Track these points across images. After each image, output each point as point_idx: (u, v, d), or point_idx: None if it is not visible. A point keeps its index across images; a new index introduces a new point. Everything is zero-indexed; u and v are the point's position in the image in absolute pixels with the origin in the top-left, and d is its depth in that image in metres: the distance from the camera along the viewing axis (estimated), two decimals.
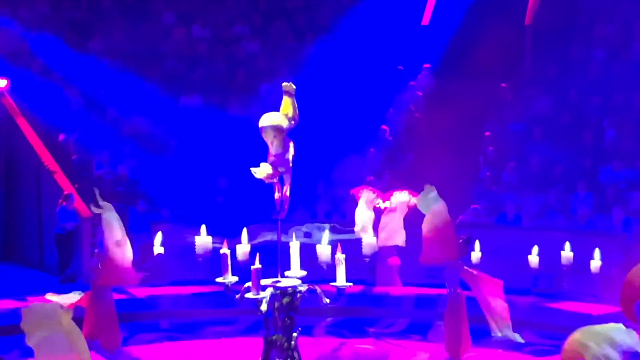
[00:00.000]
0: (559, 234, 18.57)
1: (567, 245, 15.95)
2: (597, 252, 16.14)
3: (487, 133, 23.02)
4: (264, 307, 11.25)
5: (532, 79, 24.70)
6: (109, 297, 15.18)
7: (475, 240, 15.74)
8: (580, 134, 22.13)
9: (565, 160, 21.50)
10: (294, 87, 11.25)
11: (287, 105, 11.26)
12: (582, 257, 16.25)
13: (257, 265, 10.75)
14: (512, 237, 19.47)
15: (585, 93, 23.16)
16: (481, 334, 15.63)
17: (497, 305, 14.40)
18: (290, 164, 11.28)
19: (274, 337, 11.40)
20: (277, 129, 11.07)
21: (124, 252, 14.38)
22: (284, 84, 11.34)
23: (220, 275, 10.96)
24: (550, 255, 16.57)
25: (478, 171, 22.48)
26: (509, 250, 18.55)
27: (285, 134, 11.16)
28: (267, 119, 11.09)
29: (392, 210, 17.60)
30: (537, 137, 22.51)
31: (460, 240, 14.86)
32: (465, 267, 14.61)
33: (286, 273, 11.49)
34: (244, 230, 11.76)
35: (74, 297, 14.06)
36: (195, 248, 11.85)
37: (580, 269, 16.65)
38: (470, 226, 20.02)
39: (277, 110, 11.22)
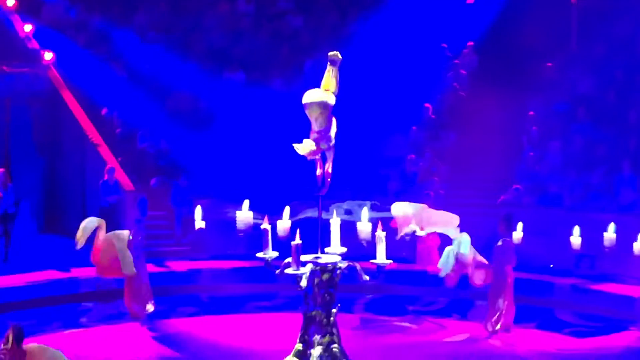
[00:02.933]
0: (602, 215, 18.44)
1: (611, 226, 15.83)
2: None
3: (531, 112, 22.85)
4: (303, 282, 11.27)
5: (578, 58, 24.44)
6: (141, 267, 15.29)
7: (516, 220, 15.65)
8: (626, 114, 21.89)
9: (610, 141, 21.31)
10: (340, 56, 11.18)
11: (329, 77, 11.18)
12: (625, 239, 16.12)
13: (298, 241, 10.78)
14: (554, 217, 19.36)
15: (630, 72, 22.89)
16: (522, 315, 15.61)
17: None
18: (333, 141, 11.26)
19: (313, 313, 11.42)
20: (323, 105, 11.04)
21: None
22: (331, 52, 11.25)
23: (261, 251, 11.00)
24: (592, 236, 16.46)
25: (521, 151, 22.33)
26: (551, 231, 18.46)
27: (330, 111, 11.14)
28: (312, 96, 11.06)
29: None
30: (582, 117, 22.31)
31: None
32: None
33: (326, 249, 11.51)
34: (287, 208, 11.77)
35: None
36: (236, 223, 11.87)
37: (623, 251, 16.52)
38: (512, 206, 19.95)
39: (320, 85, 11.18)
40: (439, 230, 17.22)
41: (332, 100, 11.08)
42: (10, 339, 8.80)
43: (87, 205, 20.85)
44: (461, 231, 15.26)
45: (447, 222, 17.22)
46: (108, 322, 15.41)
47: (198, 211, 15.69)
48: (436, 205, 18.67)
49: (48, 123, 22.05)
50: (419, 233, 17.52)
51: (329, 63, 11.18)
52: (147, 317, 15.30)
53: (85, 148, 21.02)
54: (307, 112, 11.08)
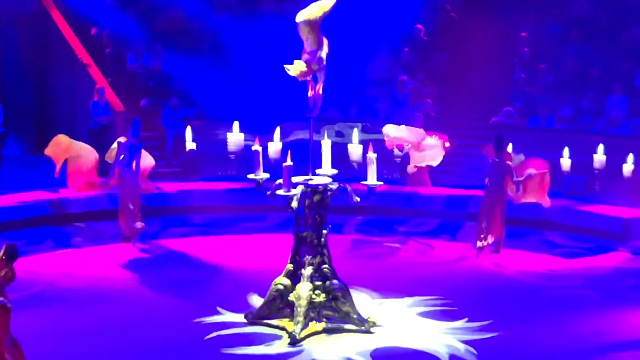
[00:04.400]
0: (593, 137, 18.47)
1: (600, 148, 15.86)
2: (630, 157, 16.04)
3: (523, 34, 22.72)
4: (294, 204, 11.31)
5: None
6: (129, 185, 15.31)
7: (507, 141, 15.67)
8: (618, 36, 21.78)
9: (602, 63, 21.23)
10: None
11: None
12: (615, 160, 16.17)
13: (289, 162, 10.79)
14: (545, 139, 19.37)
15: None
16: (510, 235, 15.71)
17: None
18: (324, 62, 11.21)
19: (304, 234, 11.50)
20: (310, 23, 10.95)
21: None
22: None
23: (252, 172, 11.02)
24: (582, 158, 16.50)
25: (512, 72, 22.25)
26: (541, 153, 18.46)
27: (319, 30, 11.06)
28: (302, 15, 10.98)
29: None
30: (574, 38, 22.19)
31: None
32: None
33: (317, 171, 11.53)
34: (277, 128, 11.76)
35: None
36: (227, 145, 11.87)
37: (613, 173, 16.58)
38: (503, 128, 19.95)
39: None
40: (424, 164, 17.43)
41: (319, 15, 10.95)
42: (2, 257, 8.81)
43: (77, 126, 20.77)
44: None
45: (434, 157, 17.41)
46: (99, 243, 15.48)
47: (189, 132, 15.69)
48: (427, 126, 18.73)
49: (37, 43, 21.86)
50: (409, 170, 17.67)
51: None
52: (138, 236, 15.36)
53: (75, 68, 20.87)
54: (299, 32, 11.02)
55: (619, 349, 11.21)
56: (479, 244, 14.96)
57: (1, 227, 15.60)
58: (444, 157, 17.69)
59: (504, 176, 14.88)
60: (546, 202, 15.48)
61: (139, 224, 15.33)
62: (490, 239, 14.91)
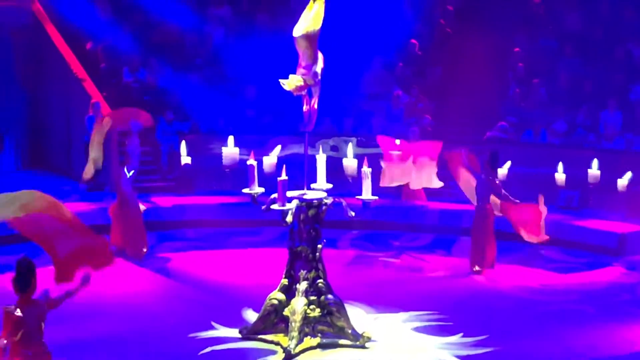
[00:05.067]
0: (587, 152, 18.50)
1: (595, 162, 15.88)
2: (627, 175, 16.07)
3: (517, 49, 22.77)
4: (289, 218, 11.32)
5: None
6: (135, 206, 15.35)
7: (503, 159, 15.68)
8: (612, 50, 21.84)
9: (596, 77, 21.27)
10: None
11: (313, 10, 11.05)
12: (610, 175, 16.19)
13: (284, 177, 10.79)
14: (539, 154, 19.38)
15: (617, 8, 22.77)
16: (506, 250, 15.71)
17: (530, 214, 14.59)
18: (319, 77, 11.22)
19: (299, 249, 11.49)
20: (308, 38, 10.96)
21: None
22: None
23: (247, 186, 11.01)
24: (577, 173, 16.51)
25: (507, 87, 22.29)
26: (536, 168, 18.49)
27: (316, 45, 11.07)
28: (300, 29, 10.99)
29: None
30: (568, 53, 22.25)
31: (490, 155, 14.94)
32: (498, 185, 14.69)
33: (312, 185, 11.53)
34: (278, 147, 11.78)
35: None
36: (222, 159, 11.87)
37: (607, 187, 16.61)
38: (497, 142, 19.96)
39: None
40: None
41: (316, 29, 10.96)
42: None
43: (72, 140, 20.77)
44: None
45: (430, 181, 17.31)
46: None
47: (183, 147, 15.70)
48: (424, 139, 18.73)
49: (31, 57, 21.84)
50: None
51: None
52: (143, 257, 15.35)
53: (70, 83, 20.86)
54: (296, 45, 11.03)
55: None
56: (476, 268, 14.89)
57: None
58: (438, 170, 17.59)
59: (490, 194, 14.81)
60: (540, 238, 15.14)
61: (145, 249, 15.40)
62: (485, 258, 14.86)
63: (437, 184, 17.33)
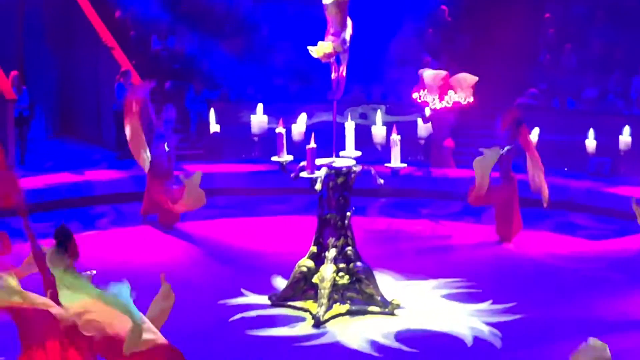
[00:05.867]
0: (618, 119, 18.36)
1: (626, 129, 15.76)
2: None
3: (547, 15, 22.56)
4: (318, 186, 11.34)
5: None
6: (170, 175, 15.31)
7: (532, 123, 15.58)
8: None
9: (627, 43, 21.06)
10: None
11: None
12: None
13: (313, 144, 10.79)
14: (570, 121, 19.27)
15: None
16: (535, 217, 15.66)
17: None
18: (348, 44, 11.19)
19: (328, 216, 11.51)
20: (339, 4, 10.91)
21: None
22: None
23: (276, 154, 11.03)
24: (608, 139, 16.40)
25: (537, 54, 22.12)
26: (566, 135, 18.39)
27: (346, 12, 11.02)
28: None
29: None
30: (599, 19, 22.02)
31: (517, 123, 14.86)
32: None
33: (341, 153, 11.53)
34: (303, 114, 11.76)
35: None
36: (251, 127, 11.89)
37: (638, 154, 16.49)
38: (527, 109, 19.85)
39: None
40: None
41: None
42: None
43: (101, 109, 20.85)
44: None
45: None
46: (124, 225, 15.54)
47: (212, 115, 15.71)
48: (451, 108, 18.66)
49: (62, 26, 21.89)
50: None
51: None
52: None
53: (99, 51, 20.92)
54: (326, 12, 10.99)
55: None
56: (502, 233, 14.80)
57: (28, 210, 15.66)
58: (468, 138, 17.47)
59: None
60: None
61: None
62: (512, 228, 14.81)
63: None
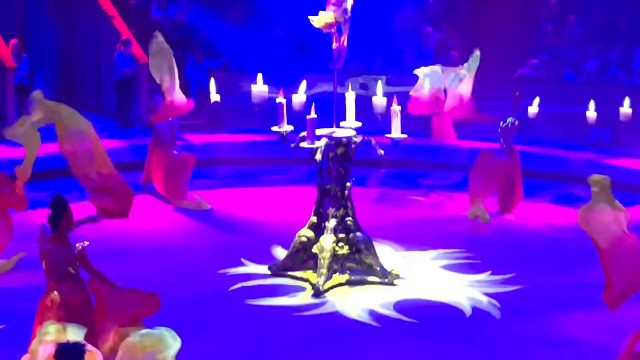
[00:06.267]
0: (619, 90, 18.32)
1: (627, 101, 15.73)
2: None
3: None
4: (318, 156, 11.35)
5: None
6: (171, 146, 15.23)
7: (533, 94, 15.56)
8: None
9: (629, 15, 20.99)
10: None
11: None
12: None
13: (313, 115, 10.78)
14: (571, 92, 19.24)
15: None
16: (533, 189, 15.68)
17: None
18: (349, 14, 11.15)
19: (328, 187, 11.52)
20: None
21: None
22: None
23: (276, 125, 11.01)
24: (609, 111, 16.37)
25: (539, 25, 22.05)
26: (567, 106, 18.37)
27: None
28: None
29: None
30: None
31: (516, 94, 14.86)
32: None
33: (341, 124, 11.52)
34: (303, 82, 11.72)
35: None
36: (251, 97, 11.85)
37: (639, 126, 16.47)
38: (528, 80, 19.82)
39: None
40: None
41: None
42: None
43: (101, 77, 20.81)
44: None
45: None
46: None
47: (213, 84, 15.64)
48: None
49: None
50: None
51: None
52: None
53: (100, 20, 20.84)
54: None
55: None
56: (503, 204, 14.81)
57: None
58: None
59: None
60: None
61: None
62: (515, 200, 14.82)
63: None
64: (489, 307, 10.96)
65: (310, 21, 11.01)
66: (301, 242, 11.63)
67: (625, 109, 15.64)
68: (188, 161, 15.07)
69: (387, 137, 11.05)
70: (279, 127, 11.03)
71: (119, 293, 8.54)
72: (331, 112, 11.39)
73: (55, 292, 8.27)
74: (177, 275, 11.76)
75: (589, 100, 16.11)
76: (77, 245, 8.27)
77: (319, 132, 11.09)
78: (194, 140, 18.09)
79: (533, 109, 15.85)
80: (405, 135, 11.20)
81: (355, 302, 11.00)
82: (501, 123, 14.72)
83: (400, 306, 10.92)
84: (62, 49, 21.94)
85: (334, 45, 11.28)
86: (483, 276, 11.93)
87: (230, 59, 20.95)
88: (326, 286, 11.19)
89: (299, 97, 11.54)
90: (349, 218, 11.59)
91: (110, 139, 18.12)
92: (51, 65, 21.66)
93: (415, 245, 12.99)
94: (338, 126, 11.46)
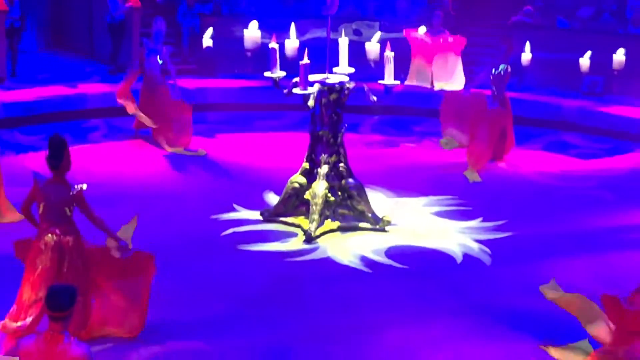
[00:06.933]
0: (612, 37, 18.28)
1: (620, 50, 15.70)
2: None
3: None
4: (311, 102, 11.33)
5: None
6: (164, 89, 15.11)
7: (526, 40, 15.50)
8: None
9: None
10: None
11: None
12: (635, 61, 16.02)
13: (306, 60, 10.74)
14: (564, 39, 19.18)
15: None
16: (525, 136, 15.70)
17: None
18: None
19: (321, 133, 11.51)
20: None
21: None
22: None
23: (269, 70, 10.98)
24: (602, 58, 16.34)
25: None
26: (560, 53, 18.33)
27: None
28: None
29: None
30: None
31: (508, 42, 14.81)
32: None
33: (334, 69, 11.48)
34: (292, 25, 11.66)
35: None
36: (244, 42, 11.79)
37: (632, 74, 16.45)
38: (522, 27, 19.75)
39: None
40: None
41: None
42: None
43: (93, 21, 20.67)
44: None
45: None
46: (116, 139, 15.51)
47: (209, 32, 15.55)
48: (446, 25, 18.49)
49: None
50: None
51: None
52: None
53: None
54: None
55: (635, 246, 11.28)
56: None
57: (19, 122, 15.66)
58: (464, 57, 17.20)
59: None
60: None
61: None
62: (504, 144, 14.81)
63: (459, 82, 16.67)
64: (480, 254, 11.01)
65: None
66: (293, 188, 11.65)
67: (619, 56, 15.60)
68: (183, 111, 14.94)
69: (380, 84, 11.02)
70: (272, 73, 10.98)
71: (115, 261, 8.56)
72: (324, 58, 11.35)
73: (49, 234, 8.28)
74: (168, 221, 11.78)
75: (582, 48, 16.06)
76: (76, 186, 8.26)
77: (311, 78, 11.06)
78: (186, 85, 18.02)
79: (526, 56, 15.79)
80: (398, 82, 11.17)
81: (347, 248, 11.04)
82: (493, 70, 14.66)
83: (391, 252, 10.97)
84: None
85: None
86: (474, 223, 11.98)
87: (222, 3, 20.80)
88: (318, 232, 11.23)
89: (292, 43, 11.49)
90: (341, 164, 11.60)
91: (103, 83, 18.09)
92: (43, 9, 21.50)
93: (407, 192, 13.02)
94: (331, 72, 11.43)
